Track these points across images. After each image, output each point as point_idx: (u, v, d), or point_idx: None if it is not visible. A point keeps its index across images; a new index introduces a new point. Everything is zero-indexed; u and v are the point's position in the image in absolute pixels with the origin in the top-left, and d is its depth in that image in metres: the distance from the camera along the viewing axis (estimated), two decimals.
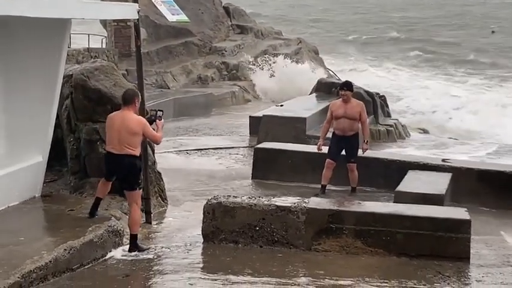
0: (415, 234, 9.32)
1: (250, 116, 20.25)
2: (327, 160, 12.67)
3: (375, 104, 20.91)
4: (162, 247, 9.56)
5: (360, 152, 12.71)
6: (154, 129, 9.43)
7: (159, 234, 10.30)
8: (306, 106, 19.56)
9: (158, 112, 9.59)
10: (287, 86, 29.57)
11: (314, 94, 22.22)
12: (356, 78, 27.97)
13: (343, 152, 12.71)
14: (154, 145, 11.10)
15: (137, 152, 9.29)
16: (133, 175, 9.30)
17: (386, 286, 8.32)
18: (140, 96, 9.56)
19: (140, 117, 9.38)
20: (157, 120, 9.52)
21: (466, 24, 69.40)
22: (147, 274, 8.61)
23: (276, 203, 9.63)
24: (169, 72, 29.82)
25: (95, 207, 9.56)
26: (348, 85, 12.81)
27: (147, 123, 9.32)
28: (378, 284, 8.37)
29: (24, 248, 8.29)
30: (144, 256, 9.15)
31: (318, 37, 56.84)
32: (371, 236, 9.38)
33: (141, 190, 9.59)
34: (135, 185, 9.36)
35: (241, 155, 16.96)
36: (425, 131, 25.24)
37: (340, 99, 12.81)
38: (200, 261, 9.21)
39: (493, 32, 65.17)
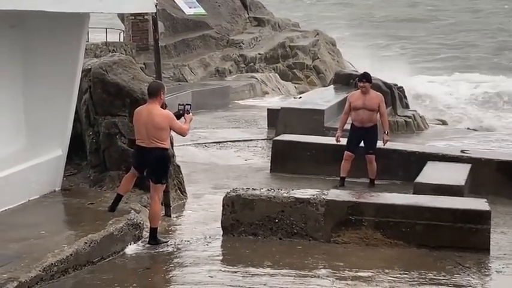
0: (435, 225, 9.30)
1: (268, 109, 20.26)
2: (346, 152, 12.65)
3: (393, 95, 20.83)
4: (182, 240, 9.59)
5: (380, 144, 12.69)
6: (182, 122, 9.45)
7: (178, 227, 10.33)
8: (324, 98, 19.52)
9: (186, 106, 9.59)
10: None
11: (332, 86, 22.16)
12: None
13: (362, 144, 12.68)
14: (173, 138, 11.12)
15: (167, 144, 9.32)
16: (162, 168, 9.34)
17: (406, 277, 8.31)
18: (165, 89, 9.58)
19: (166, 111, 9.37)
20: (186, 114, 9.54)
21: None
22: (167, 267, 8.64)
23: (295, 195, 9.64)
24: (187, 65, 29.85)
25: (115, 203, 9.59)
26: (366, 76, 12.77)
27: (174, 117, 9.31)
28: (398, 275, 8.36)
29: (45, 242, 8.34)
30: (164, 249, 9.18)
31: None
32: (390, 228, 9.37)
33: (165, 184, 9.62)
34: (162, 178, 9.39)
35: (260, 147, 16.97)
36: (444, 122, 25.13)
37: (359, 90, 12.78)
38: (220, 254, 9.23)
39: None
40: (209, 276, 8.14)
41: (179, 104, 9.71)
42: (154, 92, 9.30)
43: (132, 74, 11.08)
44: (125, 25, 30.96)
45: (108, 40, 29.15)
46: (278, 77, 31.34)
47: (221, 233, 9.69)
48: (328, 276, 8.27)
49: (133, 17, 29.74)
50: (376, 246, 9.33)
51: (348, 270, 8.46)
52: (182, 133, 9.51)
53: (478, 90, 34.53)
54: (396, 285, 8.08)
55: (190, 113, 9.59)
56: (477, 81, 37.22)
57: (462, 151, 13.61)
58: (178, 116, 9.49)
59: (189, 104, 9.72)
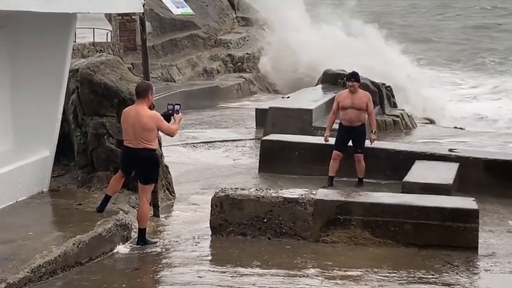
0: (423, 224, 9.32)
1: (256, 108, 20.25)
2: (334, 151, 12.67)
3: (381, 94, 20.88)
4: (171, 240, 9.58)
5: (367, 143, 12.71)
6: (172, 122, 9.41)
7: (167, 227, 10.32)
8: (312, 98, 19.54)
9: (176, 106, 9.54)
10: None
11: (320, 85, 22.18)
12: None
13: (350, 143, 12.70)
14: (161, 138, 11.11)
15: (154, 145, 9.30)
16: (150, 168, 9.32)
17: (395, 276, 8.32)
18: (154, 89, 9.55)
19: (154, 112, 9.34)
20: (175, 114, 9.50)
21: None
22: (156, 267, 8.63)
23: (284, 195, 9.64)
24: (175, 65, 29.81)
25: (103, 204, 9.56)
26: (355, 76, 12.79)
27: (161, 118, 9.27)
28: (387, 274, 8.38)
29: (33, 243, 8.31)
30: (153, 249, 9.17)
31: None
32: (379, 227, 9.38)
33: (154, 184, 9.60)
34: (151, 178, 9.38)
35: (248, 147, 16.96)
36: (431, 121, 25.18)
37: (347, 89, 12.80)
38: (209, 254, 9.23)
39: None
40: (198, 277, 8.13)
41: (168, 104, 9.67)
42: (143, 93, 9.28)
43: (120, 74, 11.06)
44: (112, 25, 30.89)
45: (95, 40, 29.08)
46: (266, 76, 31.34)
47: (210, 233, 9.68)
48: (317, 276, 8.27)
49: (120, 17, 29.68)
50: (365, 245, 9.35)
51: (337, 270, 8.46)
52: (170, 133, 9.47)
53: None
54: (385, 284, 8.09)
55: (180, 113, 9.55)
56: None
57: (450, 150, 13.65)
58: (167, 116, 9.44)
59: (179, 104, 9.66)
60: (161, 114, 9.36)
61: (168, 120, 9.40)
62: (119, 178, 9.59)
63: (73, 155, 11.29)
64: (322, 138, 13.13)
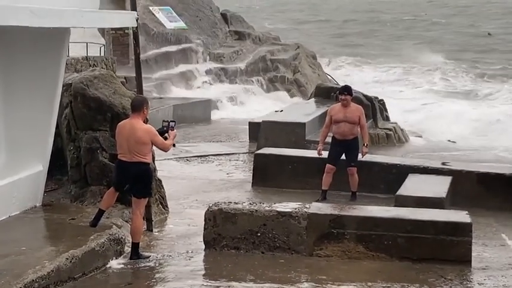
0: (417, 238, 9.32)
1: (249, 122, 20.26)
2: (327, 165, 12.68)
3: (374, 108, 20.93)
4: (164, 255, 9.56)
5: (359, 156, 12.73)
6: (166, 138, 9.43)
7: (160, 241, 10.29)
8: (305, 111, 19.57)
9: (171, 123, 9.59)
10: None
11: (313, 99, 22.23)
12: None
13: (343, 157, 12.72)
14: (155, 152, 11.10)
15: (148, 159, 9.30)
16: (143, 182, 9.31)
17: None
18: (149, 104, 9.56)
19: (148, 126, 9.35)
20: (169, 131, 9.52)
21: None
22: (149, 282, 8.60)
23: (277, 209, 9.63)
24: (168, 79, 29.84)
25: (96, 219, 9.53)
26: (348, 89, 12.82)
27: (156, 132, 9.28)
28: None
29: (26, 258, 8.28)
30: (146, 264, 9.15)
31: None
32: (373, 241, 9.38)
33: (147, 198, 9.59)
34: (144, 192, 9.37)
35: (241, 161, 16.97)
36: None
37: (339, 103, 12.82)
38: (202, 268, 9.21)
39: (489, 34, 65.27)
40: None
41: (163, 121, 9.71)
42: (138, 107, 9.29)
43: (113, 89, 11.06)
44: (105, 39, 30.92)
45: (88, 54, 29.08)
46: (261, 90, 31.41)
47: (203, 247, 9.66)
48: None
49: (114, 32, 29.72)
50: (359, 259, 9.34)
51: (331, 284, 8.46)
52: (164, 149, 9.49)
53: None
54: None
55: (175, 130, 9.59)
56: None
57: (443, 163, 13.67)
58: (162, 132, 9.46)
59: (174, 121, 9.72)
60: (156, 131, 9.37)
61: (163, 136, 9.41)
62: (112, 193, 9.58)
63: (66, 170, 11.28)
64: (315, 151, 13.14)
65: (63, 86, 10.74)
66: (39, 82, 10.20)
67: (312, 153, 13.72)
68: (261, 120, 18.50)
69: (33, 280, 7.73)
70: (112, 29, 28.79)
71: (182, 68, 30.98)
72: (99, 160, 10.77)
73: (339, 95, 13.13)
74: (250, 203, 9.99)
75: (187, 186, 13.99)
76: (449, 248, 9.26)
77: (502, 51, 53.31)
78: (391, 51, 52.30)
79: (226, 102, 29.24)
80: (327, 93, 21.73)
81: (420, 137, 24.18)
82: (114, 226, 9.58)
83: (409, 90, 39.03)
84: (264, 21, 62.07)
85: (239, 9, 36.66)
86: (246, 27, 35.80)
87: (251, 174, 14.28)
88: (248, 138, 19.65)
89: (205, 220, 9.66)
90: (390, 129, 20.95)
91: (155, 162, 11.52)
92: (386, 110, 22.29)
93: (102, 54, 30.49)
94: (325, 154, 12.89)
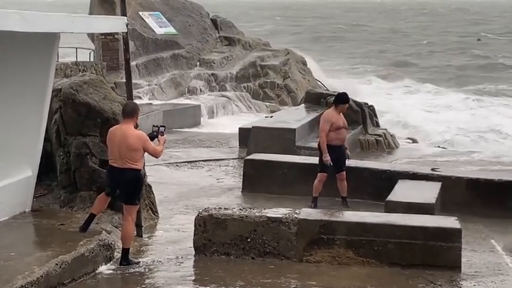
0: (406, 243, 9.34)
1: (239, 128, 20.25)
2: (321, 174, 12.56)
3: (364, 113, 20.92)
4: (154, 260, 9.54)
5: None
6: (156, 144, 9.42)
7: (150, 247, 10.28)
8: (295, 117, 19.55)
9: (161, 128, 9.59)
10: None
11: (303, 105, 22.22)
12: None
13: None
14: (145, 158, 11.08)
15: (140, 165, 9.28)
16: (134, 188, 9.29)
17: None
18: (140, 110, 9.55)
19: (140, 132, 9.33)
20: (159, 136, 9.52)
21: None
22: None
23: (267, 215, 9.64)
24: (158, 84, 29.81)
25: (87, 223, 9.51)
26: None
27: (147, 139, 9.27)
28: None
29: (15, 263, 8.26)
30: (136, 270, 9.13)
31: None
32: (362, 246, 9.39)
33: (138, 204, 9.57)
34: (135, 198, 9.35)
35: (231, 166, 16.95)
36: (414, 141, 25.28)
37: (332, 109, 12.81)
38: (192, 274, 9.20)
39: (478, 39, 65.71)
40: None
41: (153, 126, 9.72)
42: (130, 113, 9.27)
43: (103, 94, 11.04)
44: (95, 45, 30.86)
45: (78, 60, 29.03)
46: (249, 96, 31.40)
47: (193, 253, 9.66)
48: None
49: (103, 37, 29.65)
50: (349, 265, 9.35)
51: None
52: (155, 155, 9.49)
53: None
54: None
55: (165, 135, 9.58)
56: None
57: (432, 169, 13.70)
58: (152, 137, 9.47)
59: (163, 126, 9.73)
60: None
61: (153, 141, 9.41)
62: (104, 198, 9.56)
63: (56, 175, 11.24)
64: (306, 157, 13.15)
65: (52, 91, 10.71)
66: (28, 87, 10.17)
67: (301, 159, 13.71)
68: (251, 126, 18.50)
69: (22, 286, 7.70)
70: (102, 34, 28.73)
71: (172, 73, 30.94)
72: (88, 166, 10.74)
73: (335, 102, 13.01)
74: (240, 209, 9.99)
75: (177, 191, 13.97)
76: (439, 253, 9.28)
77: None
78: None
79: (216, 107, 29.22)
80: (317, 99, 21.71)
81: (413, 142, 24.23)
82: (103, 232, 9.56)
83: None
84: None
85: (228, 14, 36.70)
86: (236, 32, 35.77)
87: (241, 180, 14.27)
88: (238, 144, 19.63)
89: (195, 226, 9.65)
90: (380, 135, 20.95)
91: (145, 167, 11.50)
92: (376, 116, 22.30)
93: (92, 59, 30.46)
94: (312, 160, 12.82)
